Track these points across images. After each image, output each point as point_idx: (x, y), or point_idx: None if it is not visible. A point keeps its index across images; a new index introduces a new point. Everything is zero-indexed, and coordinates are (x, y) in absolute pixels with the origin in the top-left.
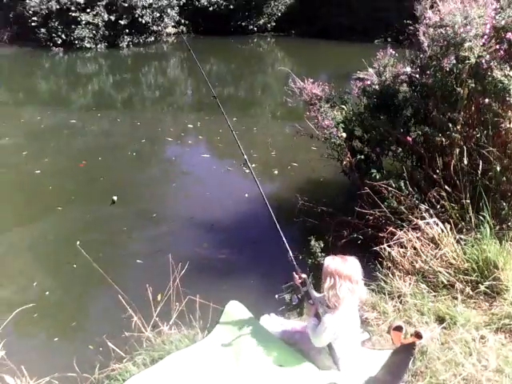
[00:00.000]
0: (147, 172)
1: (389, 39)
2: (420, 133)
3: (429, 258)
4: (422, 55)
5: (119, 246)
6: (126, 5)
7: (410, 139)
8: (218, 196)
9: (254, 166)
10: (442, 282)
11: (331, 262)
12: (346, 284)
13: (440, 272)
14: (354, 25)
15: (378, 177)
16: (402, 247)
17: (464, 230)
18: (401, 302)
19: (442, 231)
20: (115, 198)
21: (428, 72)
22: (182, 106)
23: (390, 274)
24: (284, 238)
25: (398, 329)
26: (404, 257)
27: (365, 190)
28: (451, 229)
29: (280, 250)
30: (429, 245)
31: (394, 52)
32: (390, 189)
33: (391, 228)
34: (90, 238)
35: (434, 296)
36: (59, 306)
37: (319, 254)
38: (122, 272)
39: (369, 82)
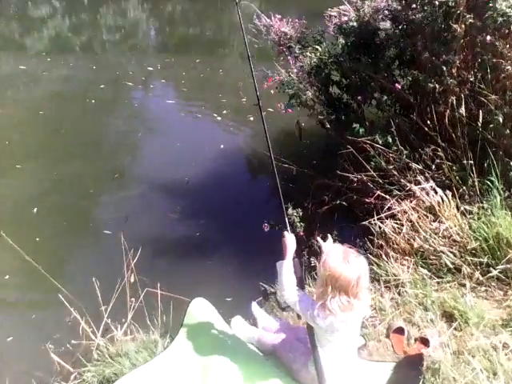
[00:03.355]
0: (109, 122)
1: None
2: (410, 79)
3: (428, 234)
4: None
5: (83, 212)
6: None
7: (399, 86)
8: (189, 148)
9: (225, 112)
10: (446, 265)
11: (330, 259)
12: (339, 297)
13: (443, 252)
14: None
15: (361, 132)
16: (394, 219)
17: (466, 197)
18: (399, 293)
19: (443, 201)
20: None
21: (414, 6)
22: (143, 48)
23: (384, 255)
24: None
25: (399, 331)
26: (399, 233)
27: (347, 148)
28: (453, 196)
29: (263, 213)
30: (427, 217)
31: None
32: (375, 146)
33: (379, 192)
34: (51, 203)
35: (438, 283)
36: (18, 294)
37: (298, 225)
38: (85, 247)
39: (346, 19)
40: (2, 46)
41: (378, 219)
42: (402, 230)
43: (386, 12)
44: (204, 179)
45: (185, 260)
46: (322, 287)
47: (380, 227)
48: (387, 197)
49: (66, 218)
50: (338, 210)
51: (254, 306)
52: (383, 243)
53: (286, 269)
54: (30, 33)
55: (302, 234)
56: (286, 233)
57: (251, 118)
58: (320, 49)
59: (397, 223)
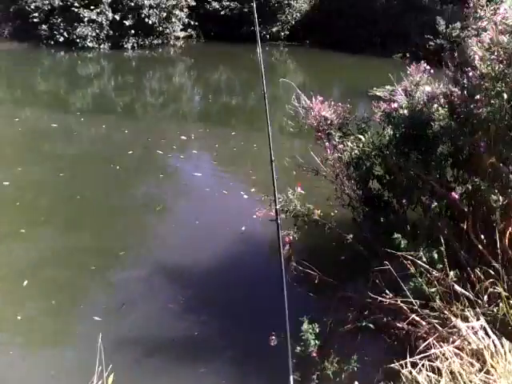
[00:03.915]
0: (129, 191)
1: (407, 54)
2: (470, 187)
3: None
4: (471, 73)
5: (77, 291)
6: (132, 4)
7: (457, 196)
8: (208, 227)
9: (253, 190)
10: None
11: None
12: None
13: None
14: (372, 38)
15: (402, 244)
16: (429, 360)
17: None
18: None
19: (496, 349)
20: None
21: (478, 97)
22: (183, 114)
23: None
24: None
25: None
26: None
27: (382, 260)
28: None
29: (274, 321)
30: (472, 365)
31: (428, 67)
32: (418, 262)
33: (414, 316)
34: (45, 276)
35: None
36: None
37: (312, 342)
38: (65, 336)
39: (395, 105)
40: (46, 102)
41: (410, 362)
42: (439, 381)
43: (443, 100)
44: (217, 266)
45: (176, 364)
46: None
47: (411, 372)
48: (423, 323)
49: (56, 295)
50: (362, 330)
51: None
52: None
53: None
54: (74, 91)
55: (314, 354)
56: None
57: (281, 199)
58: (363, 139)
59: (433, 369)
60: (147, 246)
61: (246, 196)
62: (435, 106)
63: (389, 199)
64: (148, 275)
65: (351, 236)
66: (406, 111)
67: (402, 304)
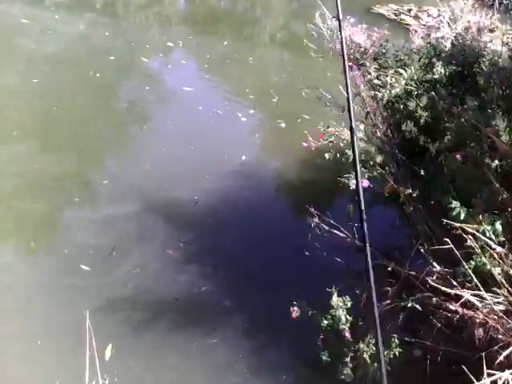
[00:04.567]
0: (111, 105)
1: None
2: None
3: None
4: None
5: (58, 229)
6: None
7: None
8: (204, 155)
9: (251, 112)
10: None
11: None
12: None
13: None
14: None
15: (462, 215)
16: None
17: None
18: None
19: None
20: None
21: None
22: (168, 16)
23: None
24: None
25: None
26: None
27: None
28: None
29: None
30: None
31: None
32: (479, 236)
33: (468, 294)
34: (18, 209)
35: None
36: None
37: (342, 319)
38: (48, 292)
39: (439, 35)
40: None
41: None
42: None
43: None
44: (218, 202)
45: (182, 332)
46: None
47: None
48: (479, 304)
49: (35, 233)
50: (405, 308)
51: None
52: None
53: None
54: None
55: (347, 334)
56: None
57: (282, 125)
58: (405, 74)
59: None
60: (135, 173)
61: (244, 119)
62: (484, 39)
63: (425, 145)
64: (138, 211)
65: (409, 191)
66: (448, 43)
67: (464, 291)
